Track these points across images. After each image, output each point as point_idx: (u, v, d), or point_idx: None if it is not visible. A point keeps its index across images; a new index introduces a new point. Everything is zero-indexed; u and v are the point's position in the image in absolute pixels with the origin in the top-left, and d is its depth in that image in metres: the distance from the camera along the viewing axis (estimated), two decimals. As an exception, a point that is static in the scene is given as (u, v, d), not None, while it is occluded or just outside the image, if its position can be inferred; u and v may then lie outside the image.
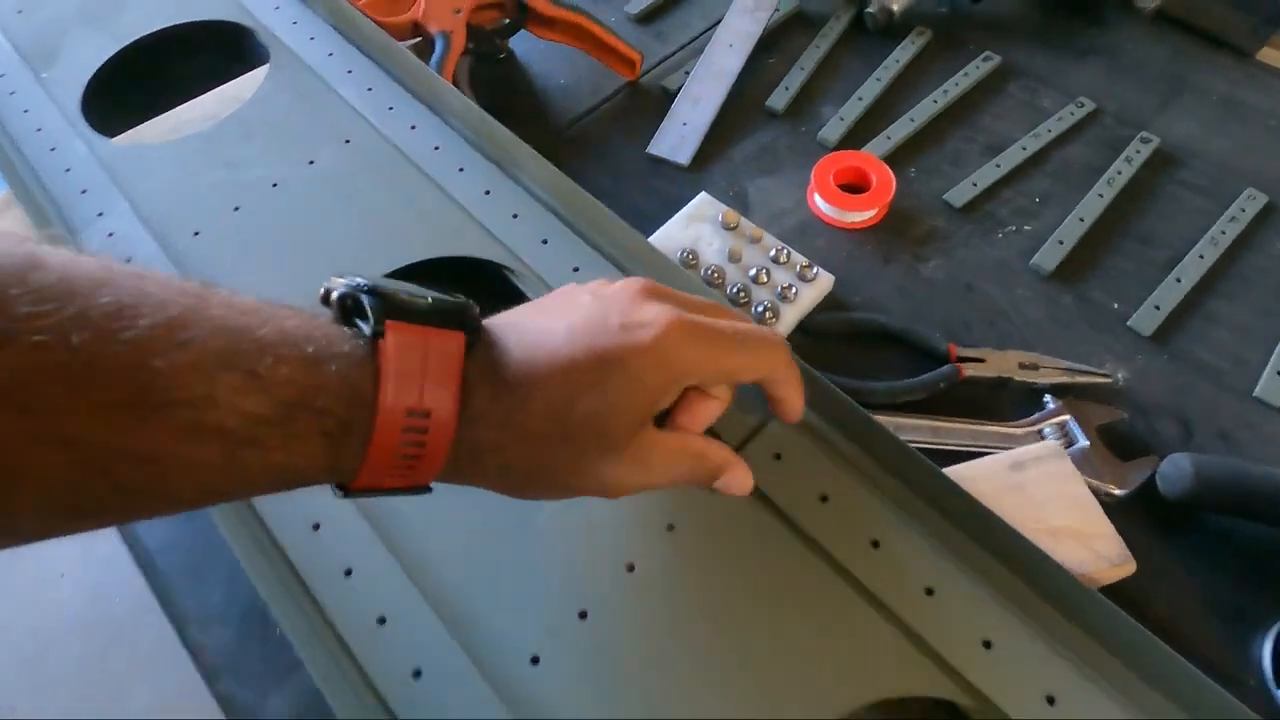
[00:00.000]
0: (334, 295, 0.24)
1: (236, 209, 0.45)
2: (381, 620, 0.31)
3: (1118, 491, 0.39)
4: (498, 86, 0.58)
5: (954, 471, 0.38)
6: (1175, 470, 0.38)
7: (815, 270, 0.46)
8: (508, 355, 0.25)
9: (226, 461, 0.20)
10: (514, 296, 0.42)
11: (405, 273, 0.42)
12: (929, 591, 0.31)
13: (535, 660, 0.31)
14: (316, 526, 0.34)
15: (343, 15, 0.52)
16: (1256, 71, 0.59)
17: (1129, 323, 0.46)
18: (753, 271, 0.46)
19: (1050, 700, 0.29)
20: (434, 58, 0.51)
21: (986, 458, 0.38)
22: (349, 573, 0.33)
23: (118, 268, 0.20)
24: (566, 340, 0.25)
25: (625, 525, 0.34)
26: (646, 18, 0.64)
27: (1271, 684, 0.35)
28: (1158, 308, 0.46)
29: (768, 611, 0.32)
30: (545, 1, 0.56)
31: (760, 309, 0.44)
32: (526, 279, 0.42)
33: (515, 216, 0.44)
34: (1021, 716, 0.29)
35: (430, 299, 0.24)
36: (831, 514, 0.33)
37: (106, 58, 0.51)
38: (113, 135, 0.49)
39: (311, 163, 0.47)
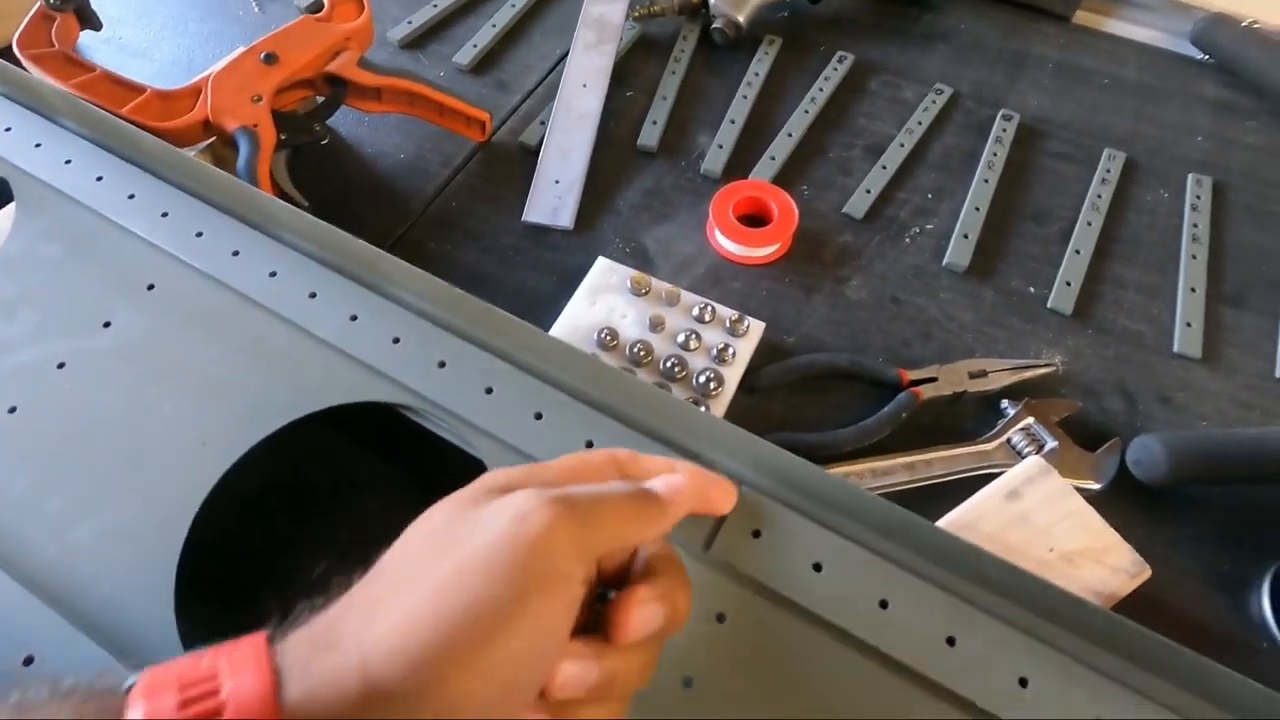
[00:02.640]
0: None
1: (12, 410, 0.33)
2: None
3: (1095, 485, 0.39)
4: (327, 179, 0.49)
5: (955, 518, 0.35)
6: (1147, 455, 0.38)
7: (746, 322, 0.42)
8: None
9: None
10: (420, 439, 0.35)
11: (270, 443, 0.33)
12: (950, 641, 0.28)
13: None
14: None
15: (105, 128, 0.41)
16: (1079, 35, 0.62)
17: (1049, 305, 0.46)
18: (680, 338, 0.41)
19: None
20: (240, 161, 0.42)
21: (981, 494, 0.35)
22: None
23: None
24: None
25: (639, 695, 0.28)
26: (479, 68, 0.57)
27: (1279, 639, 0.35)
28: (1069, 283, 0.46)
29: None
30: (361, 70, 0.48)
31: (703, 379, 0.39)
32: (430, 415, 0.34)
33: (397, 341, 0.36)
34: None
35: None
36: (830, 584, 0.30)
37: None
38: None
39: (107, 325, 0.36)
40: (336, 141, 0.51)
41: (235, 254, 0.38)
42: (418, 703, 0.17)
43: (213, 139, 0.44)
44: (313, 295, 0.37)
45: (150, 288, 0.37)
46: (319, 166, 0.49)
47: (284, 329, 0.36)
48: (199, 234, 0.39)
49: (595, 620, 0.23)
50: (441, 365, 0.35)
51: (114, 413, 0.34)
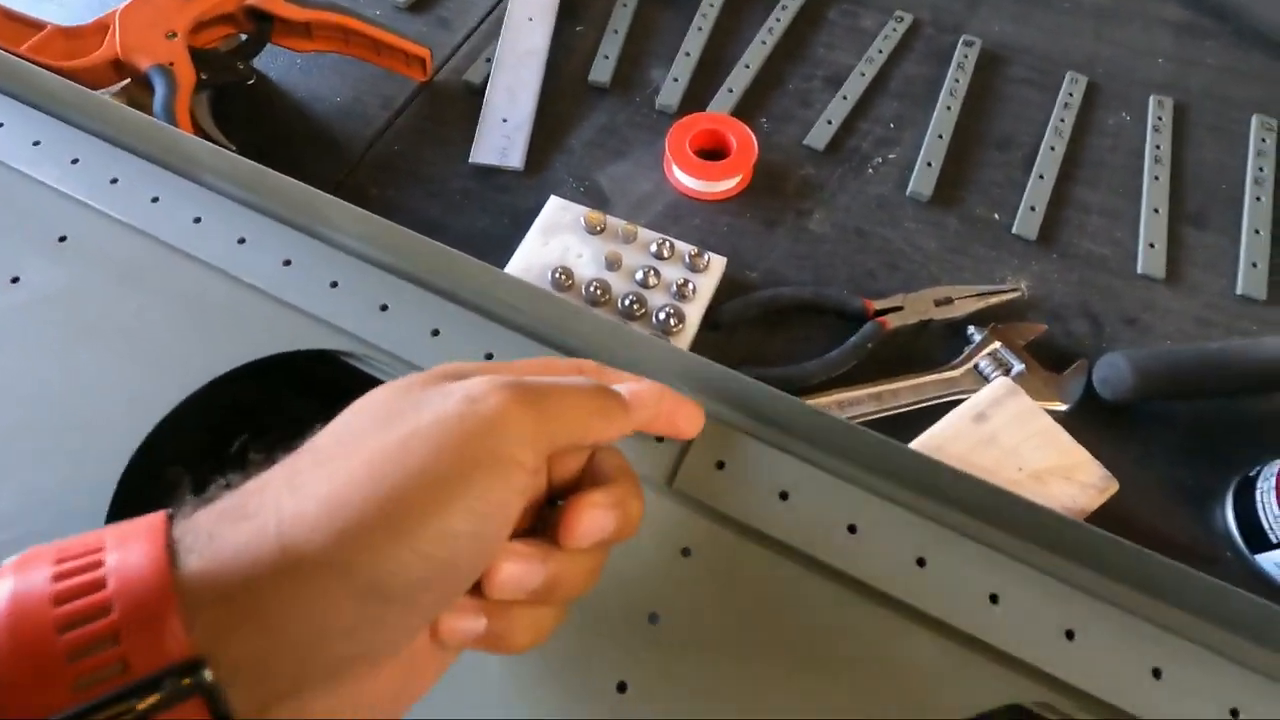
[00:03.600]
0: None
1: (-88, 379, 0.31)
2: None
3: (1062, 406, 0.38)
4: (258, 125, 0.46)
5: (923, 442, 0.34)
6: (1112, 371, 0.37)
7: (706, 257, 0.40)
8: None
9: None
10: (367, 387, 0.33)
11: (201, 399, 0.31)
12: (920, 562, 0.28)
13: None
14: None
15: (1, 68, 0.38)
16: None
17: (1013, 231, 0.45)
18: (639, 275, 0.39)
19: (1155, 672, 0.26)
20: (157, 103, 0.39)
21: (949, 417, 0.35)
22: None
23: None
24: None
25: (602, 633, 0.27)
26: (418, 4, 0.54)
27: (1244, 550, 0.36)
28: (1033, 209, 0.46)
29: (790, 671, 0.26)
30: (287, 3, 0.44)
31: (663, 316, 0.38)
32: (373, 361, 0.32)
33: (335, 285, 0.34)
34: (1124, 701, 0.26)
35: None
36: (796, 512, 0.29)
37: None
38: None
39: (15, 280, 0.33)
40: (268, 85, 0.48)
41: (155, 200, 0.36)
42: (344, 575, 0.16)
43: (126, 81, 0.41)
44: (241, 241, 0.35)
45: (62, 239, 0.34)
46: (249, 112, 0.46)
47: (212, 277, 0.34)
48: (114, 180, 0.36)
49: (542, 527, 0.22)
50: (384, 308, 0.33)
51: (27, 373, 0.31)
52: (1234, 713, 0.26)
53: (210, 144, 0.35)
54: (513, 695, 0.26)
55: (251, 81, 0.44)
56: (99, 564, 0.15)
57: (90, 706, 0.13)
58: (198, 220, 0.35)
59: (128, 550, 0.15)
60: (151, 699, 0.13)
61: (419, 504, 0.17)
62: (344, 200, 0.34)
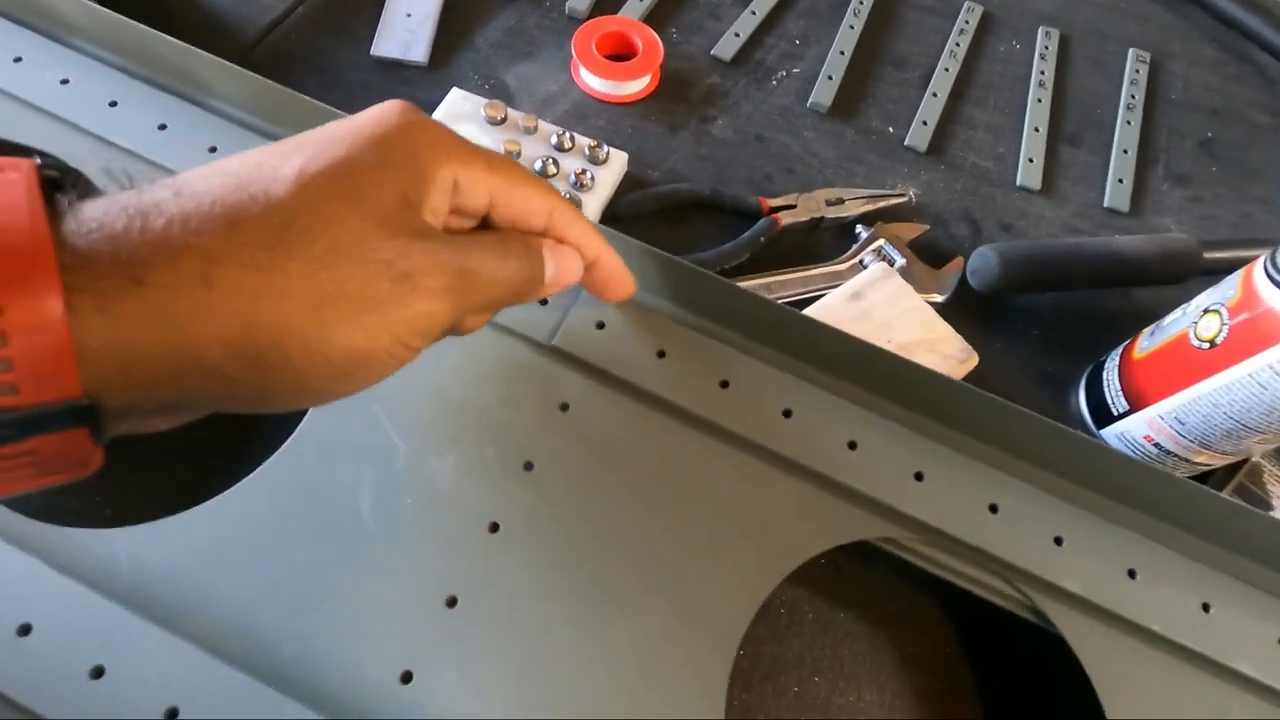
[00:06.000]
0: None
1: None
2: (174, 713, 0.22)
3: (939, 298, 0.40)
4: (140, 6, 0.44)
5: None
6: (982, 262, 0.40)
7: (606, 150, 0.41)
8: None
9: None
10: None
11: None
12: (786, 414, 0.30)
13: (407, 677, 0.24)
14: (26, 630, 0.23)
15: None
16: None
17: (906, 143, 0.47)
18: (538, 164, 0.40)
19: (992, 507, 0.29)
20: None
21: (828, 296, 0.37)
22: (99, 672, 0.23)
23: None
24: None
25: (476, 475, 0.27)
26: (326, -99, 0.52)
27: (1092, 427, 0.39)
28: (925, 123, 0.48)
29: (657, 513, 0.28)
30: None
31: (558, 203, 0.38)
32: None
33: (213, 150, 0.33)
34: (963, 533, 0.28)
35: None
36: (672, 369, 0.30)
37: None
38: None
39: None
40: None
41: (17, 60, 0.34)
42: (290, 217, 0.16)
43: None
44: (113, 104, 0.33)
45: (-89, 95, 0.32)
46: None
47: (81, 140, 0.33)
48: (-31, 37, 0.34)
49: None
50: (266, 173, 0.33)
51: None
52: (1058, 540, 0.29)
53: (79, 0, 0.33)
54: (384, 530, 0.26)
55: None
56: None
57: None
58: (65, 82, 0.34)
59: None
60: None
61: (348, 166, 0.18)
62: (226, 67, 0.33)
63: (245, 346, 0.16)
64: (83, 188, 0.16)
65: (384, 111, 0.20)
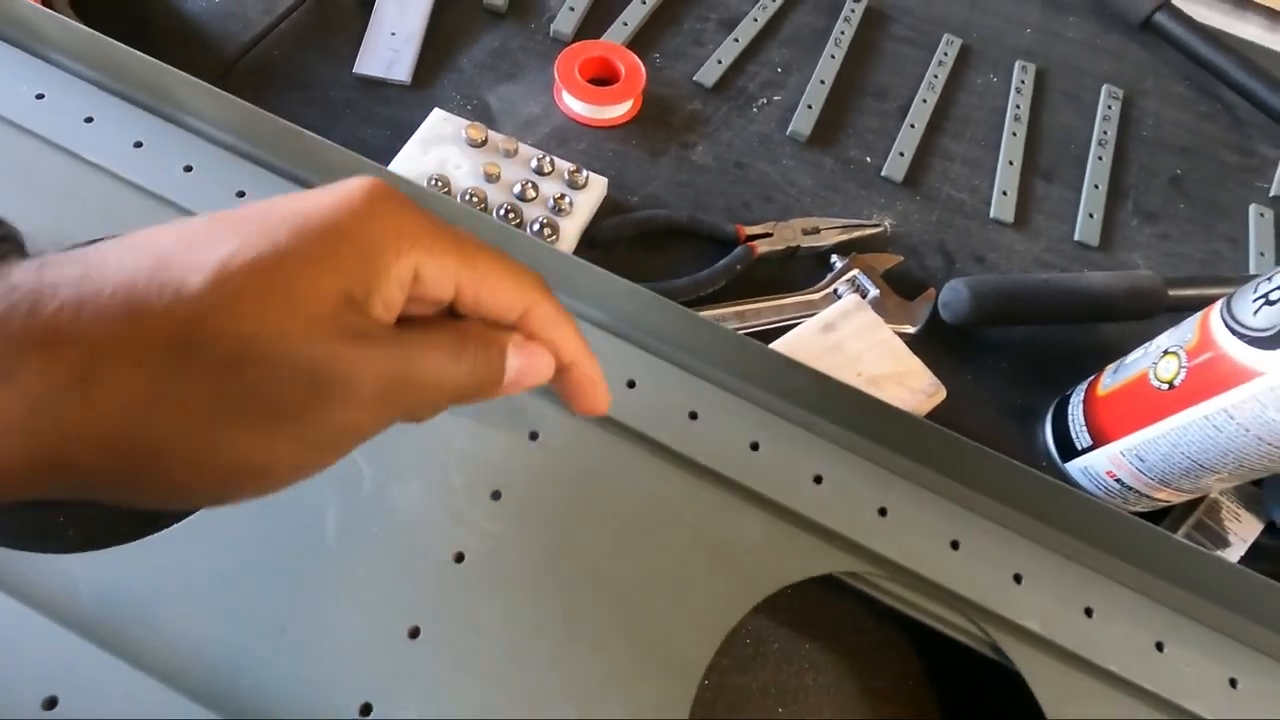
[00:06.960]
0: None
1: None
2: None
3: (910, 329, 0.41)
4: (122, 19, 0.44)
5: (774, 347, 0.36)
6: (953, 295, 0.40)
7: (585, 174, 0.41)
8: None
9: None
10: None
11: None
12: (754, 446, 0.30)
13: (367, 709, 0.24)
14: (-24, 659, 0.23)
15: None
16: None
17: (883, 173, 0.48)
18: (517, 188, 0.40)
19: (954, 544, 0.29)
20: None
21: (800, 327, 0.37)
22: (53, 703, 0.22)
23: None
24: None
25: (443, 503, 0.27)
26: (314, -84, 0.52)
27: (1058, 460, 0.39)
28: (902, 154, 0.48)
29: (624, 543, 0.28)
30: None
31: (537, 227, 0.39)
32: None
33: (189, 170, 0.33)
34: (925, 569, 0.28)
35: None
36: (642, 400, 0.30)
37: None
38: None
39: None
40: (135, -22, 0.46)
41: (-9, 74, 0.34)
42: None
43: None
44: (89, 120, 0.33)
45: (-119, 105, 0.32)
46: (112, 5, 0.44)
47: (56, 157, 0.33)
48: (-56, 49, 0.34)
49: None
50: (241, 194, 0.33)
51: None
52: (1017, 578, 0.29)
53: (55, 14, 0.33)
54: (348, 557, 0.26)
55: (115, -31, 0.41)
56: None
57: None
58: (40, 97, 0.34)
59: None
60: None
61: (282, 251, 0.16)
62: (203, 85, 0.33)
63: (118, 454, 0.15)
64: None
65: (345, 195, 0.17)
